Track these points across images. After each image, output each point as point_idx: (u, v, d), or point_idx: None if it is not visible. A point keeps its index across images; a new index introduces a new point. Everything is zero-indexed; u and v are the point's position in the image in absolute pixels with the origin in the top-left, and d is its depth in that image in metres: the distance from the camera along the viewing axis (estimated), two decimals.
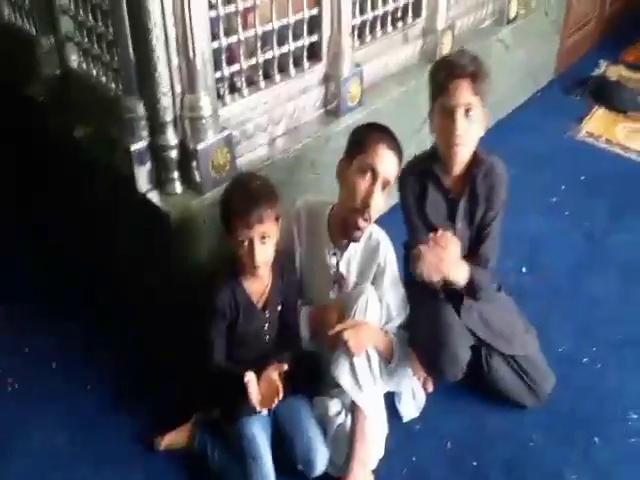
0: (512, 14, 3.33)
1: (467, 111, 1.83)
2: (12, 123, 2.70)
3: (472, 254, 1.98)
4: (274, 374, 1.78)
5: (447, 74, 1.84)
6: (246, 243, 1.74)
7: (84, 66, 2.23)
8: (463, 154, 1.89)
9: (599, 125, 3.80)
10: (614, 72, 4.31)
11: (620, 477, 1.99)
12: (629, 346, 2.41)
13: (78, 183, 2.41)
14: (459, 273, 1.90)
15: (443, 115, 1.86)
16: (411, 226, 2.02)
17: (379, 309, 1.92)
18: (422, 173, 1.96)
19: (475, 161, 1.93)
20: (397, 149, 1.86)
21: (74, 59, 2.25)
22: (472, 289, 1.95)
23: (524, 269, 2.74)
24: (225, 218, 1.78)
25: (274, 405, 1.77)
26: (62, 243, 2.65)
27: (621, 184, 3.29)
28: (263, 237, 1.75)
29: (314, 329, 1.97)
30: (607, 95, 3.98)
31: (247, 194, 1.75)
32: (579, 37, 4.41)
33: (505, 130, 3.59)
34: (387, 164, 1.82)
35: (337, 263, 1.97)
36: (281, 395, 1.75)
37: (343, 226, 1.91)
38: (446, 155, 1.90)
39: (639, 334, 2.45)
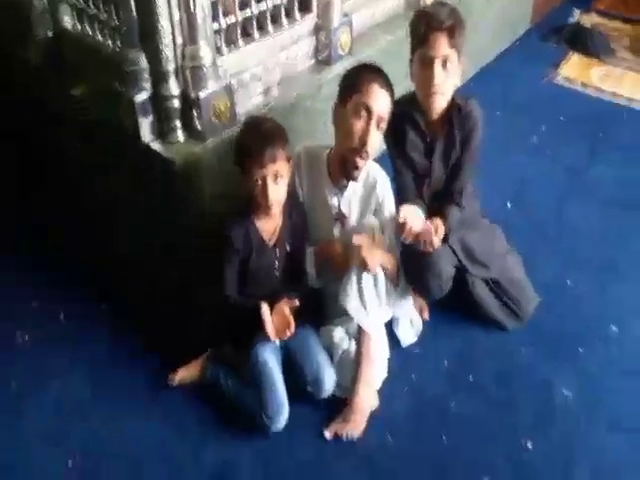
0: None
1: (444, 62, 1.95)
2: (8, 88, 2.76)
3: (447, 188, 2.14)
4: (286, 308, 1.92)
5: (426, 27, 1.95)
6: (260, 182, 1.85)
7: (78, 26, 2.30)
8: (440, 101, 2.02)
9: (575, 70, 3.94)
10: (587, 20, 4.45)
11: (605, 381, 2.17)
12: (609, 269, 2.59)
13: (79, 142, 2.49)
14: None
15: (422, 65, 1.99)
16: (394, 164, 2.16)
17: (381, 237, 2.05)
18: (402, 116, 2.07)
19: (452, 106, 2.06)
20: (389, 87, 1.95)
21: (67, 20, 2.31)
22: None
23: (509, 204, 2.89)
24: (239, 159, 1.89)
25: (287, 336, 1.91)
26: (65, 199, 2.75)
27: (597, 123, 3.46)
28: (276, 176, 1.86)
29: (320, 264, 2.09)
30: (581, 41, 4.12)
31: (260, 135, 1.86)
32: None
33: (487, 77, 3.77)
34: (381, 102, 1.92)
35: (339, 203, 2.10)
36: (293, 328, 1.90)
37: (342, 166, 2.02)
38: (424, 102, 2.03)
39: (618, 258, 2.63)
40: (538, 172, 3.10)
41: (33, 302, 2.41)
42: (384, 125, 1.97)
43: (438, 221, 2.02)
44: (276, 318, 1.92)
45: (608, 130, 3.41)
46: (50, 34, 2.39)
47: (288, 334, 1.91)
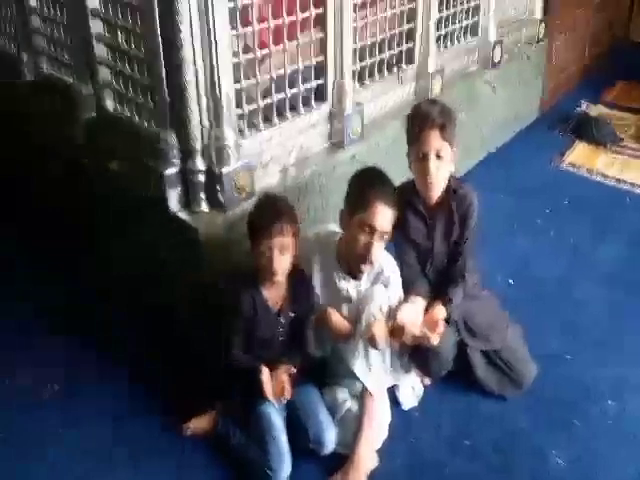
0: (496, 59, 3.72)
1: (438, 155, 2.17)
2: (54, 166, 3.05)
3: (451, 267, 2.32)
4: (284, 375, 2.09)
5: (419, 126, 2.18)
6: (267, 254, 2.05)
7: (118, 108, 2.57)
8: (436, 189, 2.24)
9: (580, 157, 4.13)
10: (594, 110, 4.68)
11: (598, 453, 2.23)
12: (609, 344, 2.67)
13: (112, 211, 2.73)
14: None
15: (417, 159, 2.21)
16: (398, 247, 2.34)
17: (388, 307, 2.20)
18: (403, 203, 2.26)
19: (449, 191, 2.27)
20: (392, 201, 2.09)
21: (109, 103, 2.58)
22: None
23: (511, 281, 3.02)
24: (251, 231, 2.10)
25: (283, 400, 2.08)
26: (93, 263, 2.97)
27: (601, 206, 3.61)
28: (282, 249, 2.05)
29: (318, 333, 2.23)
30: (588, 130, 4.33)
31: (271, 210, 2.08)
32: (561, 80, 4.81)
33: (493, 164, 3.98)
34: (384, 220, 2.07)
35: (347, 287, 2.25)
36: (288, 393, 2.07)
37: (348, 263, 2.20)
38: (422, 190, 2.25)
39: (619, 336, 2.72)
40: (541, 251, 3.23)
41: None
42: (388, 235, 2.14)
43: (438, 315, 2.18)
44: (275, 382, 2.08)
45: (612, 213, 3.55)
46: (94, 115, 2.68)
47: (283, 400, 2.08)
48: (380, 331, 2.08)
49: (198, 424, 2.25)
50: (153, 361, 2.54)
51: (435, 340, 2.12)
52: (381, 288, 2.19)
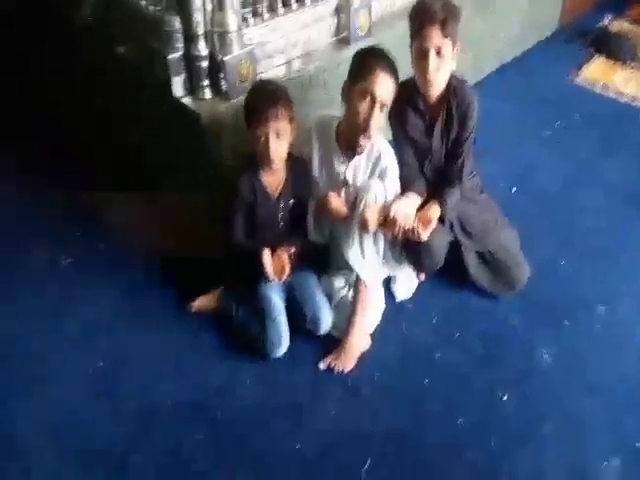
0: None
1: (438, 52, 2.13)
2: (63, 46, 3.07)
3: (448, 166, 2.32)
4: (284, 254, 2.15)
5: (420, 21, 2.14)
6: (263, 138, 2.08)
7: None
8: (436, 86, 2.21)
9: (598, 72, 4.04)
10: (617, 25, 4.54)
11: (584, 354, 2.31)
12: (605, 253, 2.72)
13: (119, 93, 2.74)
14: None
15: (418, 55, 2.17)
16: (397, 144, 2.34)
17: (383, 198, 2.21)
18: (404, 100, 2.25)
19: (449, 89, 2.24)
20: (393, 72, 2.10)
21: None
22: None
23: (514, 189, 3.04)
24: (246, 116, 2.12)
25: (284, 278, 2.14)
26: (94, 144, 3.04)
27: (613, 123, 3.57)
28: (278, 134, 2.08)
29: (318, 218, 2.28)
30: (607, 45, 4.22)
31: (265, 95, 2.09)
32: None
33: (508, 72, 3.92)
34: (384, 89, 2.08)
35: (345, 170, 2.28)
36: (287, 271, 2.13)
37: (348, 141, 2.21)
38: (422, 87, 2.22)
39: (615, 245, 2.76)
40: (547, 161, 3.23)
41: (77, 232, 2.73)
42: (388, 106, 2.15)
43: (431, 213, 2.22)
44: (275, 261, 2.15)
45: (623, 130, 3.52)
46: None
47: (284, 277, 2.14)
48: (372, 216, 2.12)
49: (203, 302, 2.37)
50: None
51: (425, 236, 2.16)
52: (378, 181, 2.21)
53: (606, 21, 4.58)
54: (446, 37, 2.11)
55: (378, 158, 2.25)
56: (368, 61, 2.11)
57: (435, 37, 2.11)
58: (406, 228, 2.14)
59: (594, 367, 2.26)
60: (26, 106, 3.36)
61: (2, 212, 2.82)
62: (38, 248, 2.63)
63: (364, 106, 2.10)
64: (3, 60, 3.45)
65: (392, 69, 2.12)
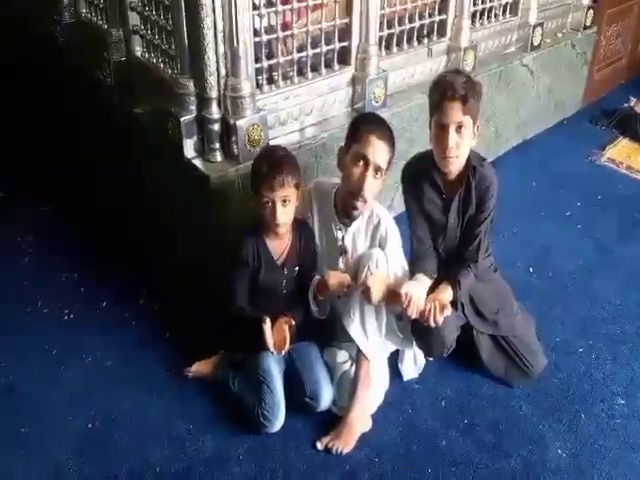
0: (536, 41, 3.58)
1: (458, 128, 2.07)
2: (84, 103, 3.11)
3: (463, 246, 2.24)
4: (285, 325, 2.06)
5: (441, 96, 2.08)
6: (269, 204, 2.04)
7: (146, 54, 2.58)
8: (455, 164, 2.14)
9: (622, 153, 3.97)
10: None
11: (602, 448, 2.14)
12: (625, 342, 2.56)
13: (134, 152, 2.74)
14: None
15: (437, 130, 2.11)
16: (412, 218, 2.27)
17: (386, 268, 2.13)
18: (421, 173, 2.20)
19: (468, 167, 2.17)
20: (388, 138, 2.08)
21: (138, 48, 2.60)
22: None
23: (531, 269, 2.92)
24: (253, 182, 2.09)
25: (284, 351, 2.04)
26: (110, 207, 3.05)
27: (635, 204, 3.46)
28: (284, 200, 2.04)
29: (321, 293, 2.16)
30: (632, 126, 4.15)
31: (273, 162, 2.05)
32: (609, 72, 4.61)
33: (529, 149, 3.88)
34: (377, 152, 2.04)
35: (342, 237, 2.22)
36: (288, 343, 2.03)
37: (345, 207, 2.17)
38: (440, 163, 2.15)
39: (636, 332, 2.61)
40: (566, 242, 3.12)
41: (82, 288, 2.72)
42: (383, 172, 2.09)
43: (444, 296, 2.12)
44: (275, 332, 2.05)
45: None
46: (123, 59, 2.69)
47: (284, 350, 2.04)
48: (375, 285, 2.03)
49: (200, 367, 2.31)
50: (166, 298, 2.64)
51: (440, 320, 2.05)
52: (379, 250, 2.14)
53: (631, 102, 4.53)
54: (467, 114, 2.06)
55: (378, 224, 2.19)
56: (363, 125, 2.10)
57: (455, 113, 2.05)
58: (421, 309, 2.04)
59: (611, 469, 2.08)
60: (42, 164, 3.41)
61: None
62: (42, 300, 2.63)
63: (358, 170, 2.06)
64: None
65: (387, 135, 2.10)
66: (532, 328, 2.43)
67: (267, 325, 2.03)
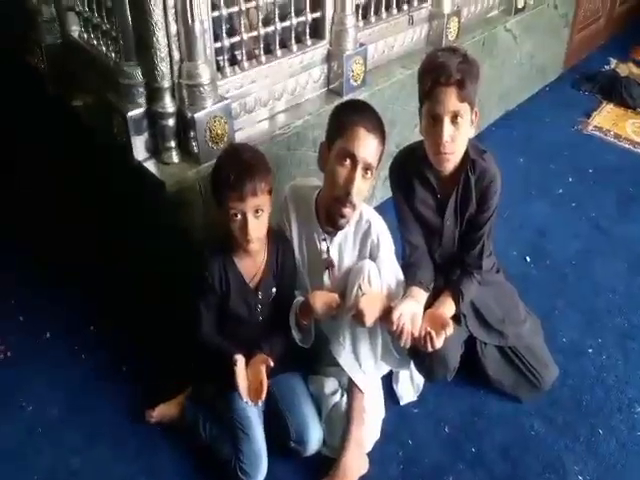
0: (520, 4, 3.31)
1: (454, 118, 1.74)
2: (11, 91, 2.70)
3: (464, 252, 1.95)
4: (262, 367, 1.72)
5: (433, 81, 1.73)
6: (239, 217, 1.69)
7: (84, 35, 2.22)
8: (450, 160, 1.81)
9: (608, 120, 3.78)
10: (624, 69, 4.29)
11: (626, 469, 1.93)
12: (634, 337, 2.37)
13: (75, 151, 2.40)
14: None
15: (430, 121, 1.78)
16: (402, 220, 1.96)
17: (380, 283, 1.84)
18: (411, 171, 1.89)
19: (466, 161, 1.85)
20: (378, 130, 1.76)
21: (75, 29, 2.24)
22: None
23: (528, 258, 2.70)
24: (217, 192, 1.72)
25: (259, 401, 1.71)
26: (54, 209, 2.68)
27: (629, 177, 3.28)
28: (257, 211, 1.69)
29: (304, 317, 1.85)
30: (617, 91, 3.96)
31: (240, 166, 1.68)
32: (589, 33, 4.40)
33: (513, 120, 3.66)
34: (366, 148, 1.72)
35: (327, 249, 1.90)
36: (265, 391, 1.69)
37: (329, 214, 1.83)
38: (434, 159, 1.82)
39: None
40: (560, 224, 2.92)
41: (20, 316, 2.35)
42: (373, 171, 1.76)
43: (444, 310, 1.86)
44: (251, 376, 1.72)
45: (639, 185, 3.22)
46: (58, 41, 2.33)
47: (259, 400, 1.71)
48: (368, 307, 1.72)
49: (164, 411, 1.98)
50: (123, 328, 2.28)
51: (439, 344, 1.76)
52: (370, 262, 1.83)
53: (612, 65, 4.33)
54: (464, 100, 1.72)
55: (368, 230, 1.86)
56: (346, 118, 1.75)
57: (450, 101, 1.71)
58: (415, 335, 1.74)
59: None
60: None
61: None
62: None
63: (344, 170, 1.72)
64: None
65: (377, 126, 1.75)
66: (540, 334, 2.19)
67: (239, 367, 1.70)
